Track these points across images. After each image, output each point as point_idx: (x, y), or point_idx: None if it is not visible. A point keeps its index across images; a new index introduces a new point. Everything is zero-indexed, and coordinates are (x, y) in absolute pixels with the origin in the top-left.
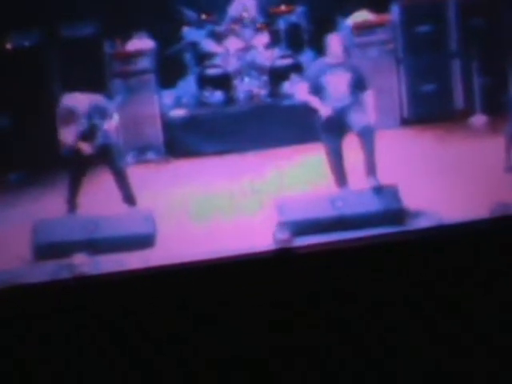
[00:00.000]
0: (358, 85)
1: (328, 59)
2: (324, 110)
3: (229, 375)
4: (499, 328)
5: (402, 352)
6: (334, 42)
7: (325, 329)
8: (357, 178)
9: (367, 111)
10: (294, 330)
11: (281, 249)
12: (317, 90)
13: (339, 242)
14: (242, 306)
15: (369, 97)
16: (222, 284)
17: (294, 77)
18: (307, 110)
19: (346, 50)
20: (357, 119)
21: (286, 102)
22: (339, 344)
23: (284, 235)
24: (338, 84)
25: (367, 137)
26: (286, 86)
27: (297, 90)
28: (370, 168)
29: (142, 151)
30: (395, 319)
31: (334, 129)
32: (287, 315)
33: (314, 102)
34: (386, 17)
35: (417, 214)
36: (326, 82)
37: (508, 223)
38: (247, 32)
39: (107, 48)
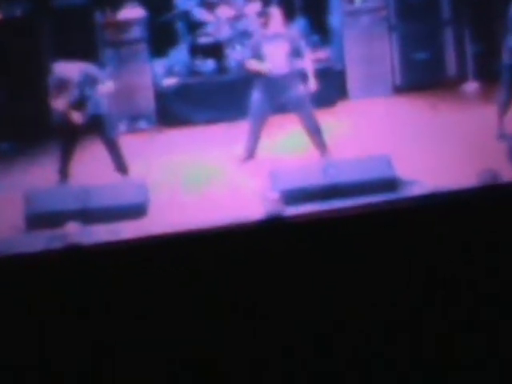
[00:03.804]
0: (296, 53)
1: (268, 30)
2: (266, 67)
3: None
4: (487, 296)
5: (400, 320)
6: (275, 15)
7: (317, 299)
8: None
9: (306, 79)
10: (287, 301)
11: (272, 218)
12: (258, 59)
13: (332, 210)
14: (233, 275)
15: (306, 63)
16: (214, 253)
17: None
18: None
19: (285, 22)
20: (291, 90)
21: None
22: (334, 316)
23: (273, 195)
24: (276, 53)
25: (300, 109)
26: None
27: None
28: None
29: (133, 120)
30: (389, 288)
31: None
32: (278, 285)
33: (255, 64)
34: None
35: (409, 182)
36: (266, 51)
37: (499, 191)
38: (239, 0)
39: (98, 17)
